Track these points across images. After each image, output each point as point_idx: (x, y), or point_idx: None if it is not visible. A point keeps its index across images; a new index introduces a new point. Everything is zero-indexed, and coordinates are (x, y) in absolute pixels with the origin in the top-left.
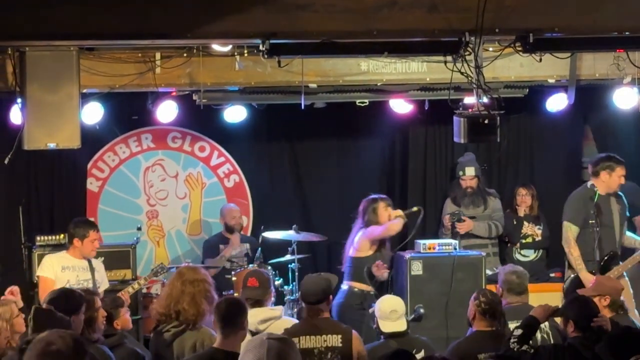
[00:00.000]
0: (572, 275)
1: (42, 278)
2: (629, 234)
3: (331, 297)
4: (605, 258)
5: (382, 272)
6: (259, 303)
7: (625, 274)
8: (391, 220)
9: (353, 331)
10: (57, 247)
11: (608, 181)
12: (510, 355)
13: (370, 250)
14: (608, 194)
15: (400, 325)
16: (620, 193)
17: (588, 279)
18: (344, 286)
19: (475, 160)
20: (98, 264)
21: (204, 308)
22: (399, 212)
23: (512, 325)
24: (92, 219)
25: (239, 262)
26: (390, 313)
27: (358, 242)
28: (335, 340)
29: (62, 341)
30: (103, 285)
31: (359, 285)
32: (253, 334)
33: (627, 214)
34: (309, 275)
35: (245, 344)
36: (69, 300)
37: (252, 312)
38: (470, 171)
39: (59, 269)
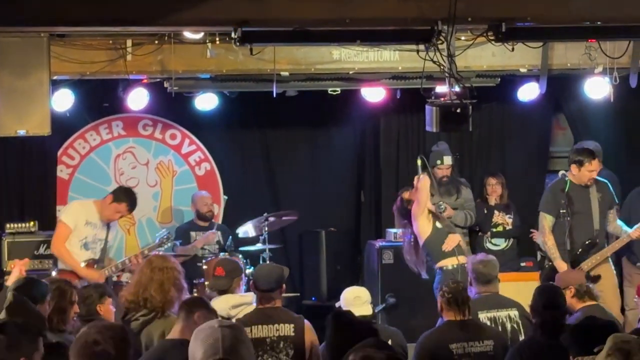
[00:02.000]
0: (549, 264)
1: (62, 224)
2: (619, 222)
3: (284, 286)
4: (585, 244)
5: (451, 245)
6: (225, 292)
7: (610, 262)
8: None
9: (305, 320)
10: (27, 235)
11: (578, 174)
12: None
13: (429, 227)
14: (586, 185)
15: (366, 310)
16: (605, 181)
17: (562, 267)
18: (438, 272)
19: (449, 149)
20: (114, 225)
21: (172, 295)
22: (417, 176)
23: (481, 315)
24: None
25: (210, 250)
26: (354, 299)
27: (417, 229)
28: (287, 329)
29: (105, 340)
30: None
31: (446, 263)
32: (225, 319)
33: (617, 201)
34: (263, 264)
35: (196, 332)
36: (34, 289)
37: (222, 298)
38: (448, 160)
39: (83, 222)
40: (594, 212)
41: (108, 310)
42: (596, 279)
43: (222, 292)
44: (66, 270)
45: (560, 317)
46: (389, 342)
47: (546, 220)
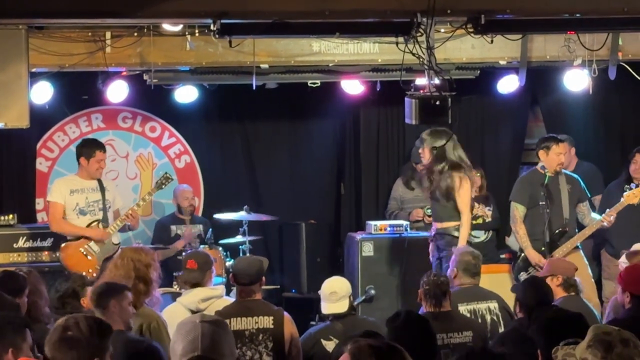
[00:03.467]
0: (522, 255)
1: (52, 203)
2: (593, 215)
3: (264, 278)
4: (555, 233)
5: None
6: (197, 285)
7: (582, 253)
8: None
9: (285, 313)
10: (6, 228)
11: (546, 160)
12: None
13: None
14: (556, 172)
15: (340, 307)
16: (574, 175)
17: (533, 256)
18: None
19: None
20: (109, 183)
21: (139, 289)
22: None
23: (461, 307)
24: (101, 140)
25: (192, 244)
26: (330, 295)
27: None
28: (266, 321)
29: (78, 327)
30: (115, 204)
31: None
32: (194, 312)
33: (589, 194)
34: (242, 257)
35: (178, 326)
36: (11, 282)
37: (193, 291)
38: None
39: (67, 193)
40: (564, 202)
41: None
42: None
43: (194, 285)
44: (74, 239)
45: (541, 313)
46: None
47: (517, 210)
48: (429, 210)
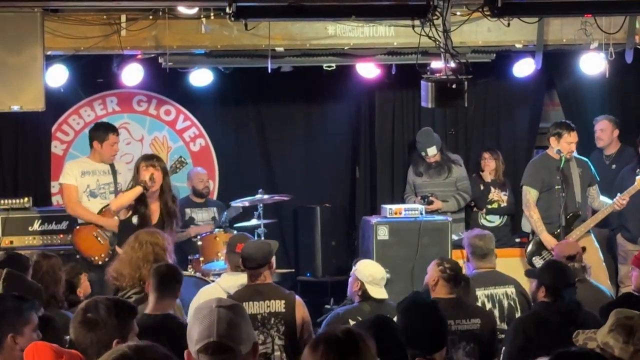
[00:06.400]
0: (534, 238)
1: (65, 185)
2: (602, 198)
3: (274, 262)
4: (569, 217)
5: None
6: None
7: (593, 236)
8: None
9: (296, 296)
10: (21, 211)
11: (556, 147)
12: None
13: None
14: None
15: (386, 292)
16: (584, 158)
17: (548, 240)
18: None
19: (433, 135)
20: (121, 166)
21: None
22: None
23: (479, 292)
24: (115, 123)
25: (206, 227)
26: (381, 280)
27: None
28: (278, 305)
29: (96, 309)
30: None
31: None
32: (225, 299)
33: (597, 178)
34: (250, 241)
35: (195, 311)
36: (15, 263)
37: (235, 276)
38: (432, 151)
39: (79, 174)
40: (575, 186)
41: (86, 286)
42: (582, 250)
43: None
44: (85, 223)
45: (567, 298)
46: (395, 319)
47: (530, 194)
48: (428, 199)
